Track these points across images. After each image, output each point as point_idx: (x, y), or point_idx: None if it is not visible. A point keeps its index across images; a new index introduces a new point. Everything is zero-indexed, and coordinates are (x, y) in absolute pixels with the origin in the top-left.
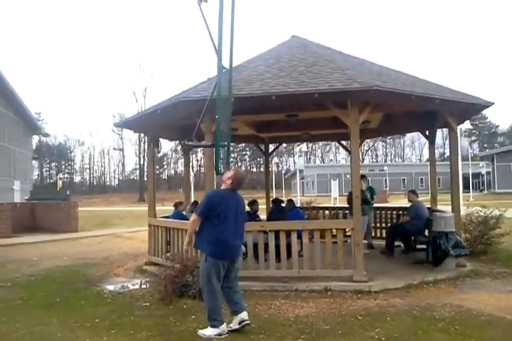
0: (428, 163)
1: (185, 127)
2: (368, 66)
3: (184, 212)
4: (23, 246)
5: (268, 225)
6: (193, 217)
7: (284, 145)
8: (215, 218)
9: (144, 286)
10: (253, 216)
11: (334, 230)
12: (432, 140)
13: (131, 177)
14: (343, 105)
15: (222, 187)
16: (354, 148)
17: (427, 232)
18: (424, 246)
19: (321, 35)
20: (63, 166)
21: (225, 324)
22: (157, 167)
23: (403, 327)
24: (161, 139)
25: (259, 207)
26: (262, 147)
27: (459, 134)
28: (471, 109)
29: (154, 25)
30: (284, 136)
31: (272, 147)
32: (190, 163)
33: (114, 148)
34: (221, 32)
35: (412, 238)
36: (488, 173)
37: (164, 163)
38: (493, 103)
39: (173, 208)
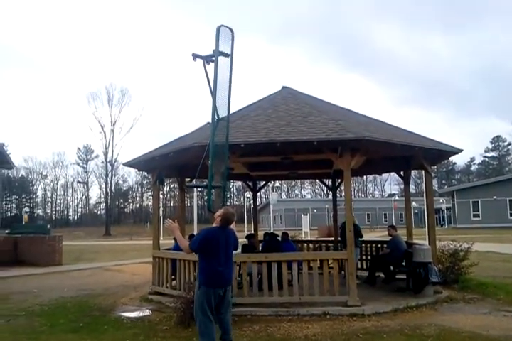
0: (392, 199)
1: (185, 167)
2: (354, 116)
3: None
4: (15, 278)
5: (272, 256)
6: (187, 250)
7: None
8: (207, 252)
9: (155, 313)
10: (251, 248)
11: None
12: (407, 180)
13: (95, 211)
14: (337, 151)
15: (214, 224)
16: (347, 187)
17: (404, 263)
18: (403, 276)
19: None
20: (24, 199)
21: None
22: (121, 201)
23: None
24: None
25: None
26: (250, 184)
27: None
28: (443, 154)
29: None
30: (273, 174)
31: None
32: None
33: (78, 181)
34: (215, 88)
35: (392, 268)
36: (448, 209)
37: (129, 197)
38: (462, 150)
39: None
